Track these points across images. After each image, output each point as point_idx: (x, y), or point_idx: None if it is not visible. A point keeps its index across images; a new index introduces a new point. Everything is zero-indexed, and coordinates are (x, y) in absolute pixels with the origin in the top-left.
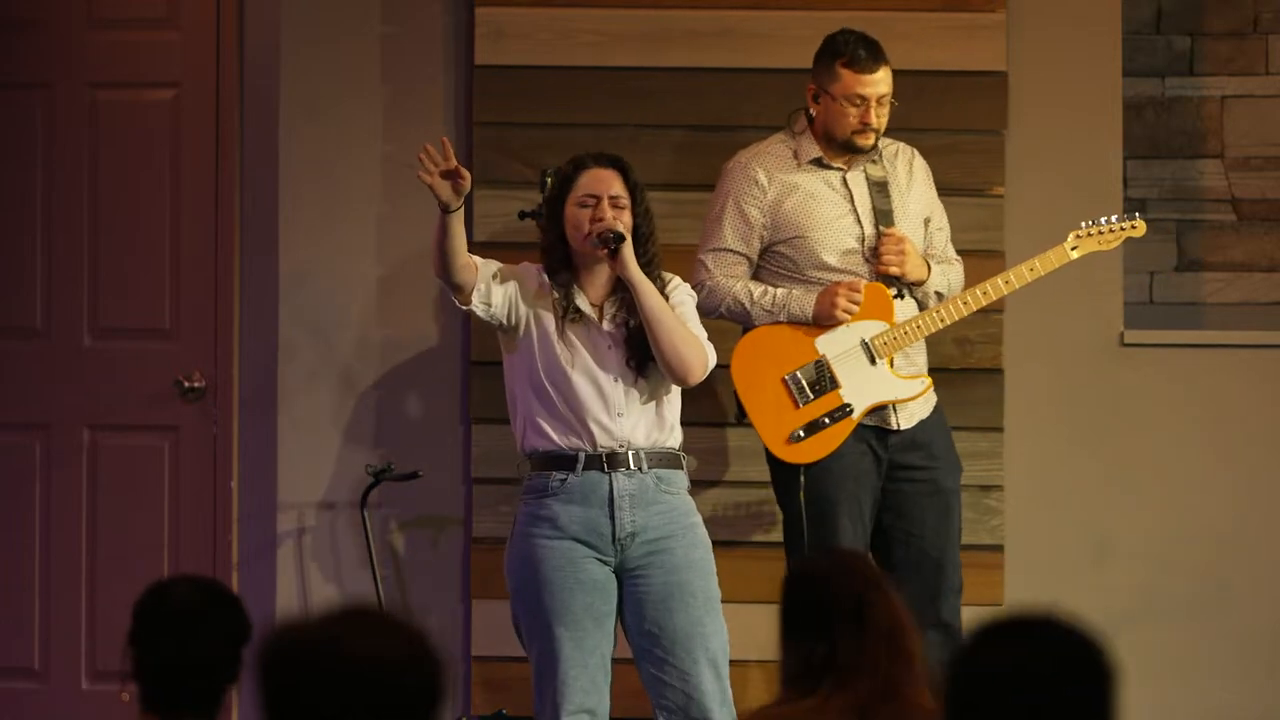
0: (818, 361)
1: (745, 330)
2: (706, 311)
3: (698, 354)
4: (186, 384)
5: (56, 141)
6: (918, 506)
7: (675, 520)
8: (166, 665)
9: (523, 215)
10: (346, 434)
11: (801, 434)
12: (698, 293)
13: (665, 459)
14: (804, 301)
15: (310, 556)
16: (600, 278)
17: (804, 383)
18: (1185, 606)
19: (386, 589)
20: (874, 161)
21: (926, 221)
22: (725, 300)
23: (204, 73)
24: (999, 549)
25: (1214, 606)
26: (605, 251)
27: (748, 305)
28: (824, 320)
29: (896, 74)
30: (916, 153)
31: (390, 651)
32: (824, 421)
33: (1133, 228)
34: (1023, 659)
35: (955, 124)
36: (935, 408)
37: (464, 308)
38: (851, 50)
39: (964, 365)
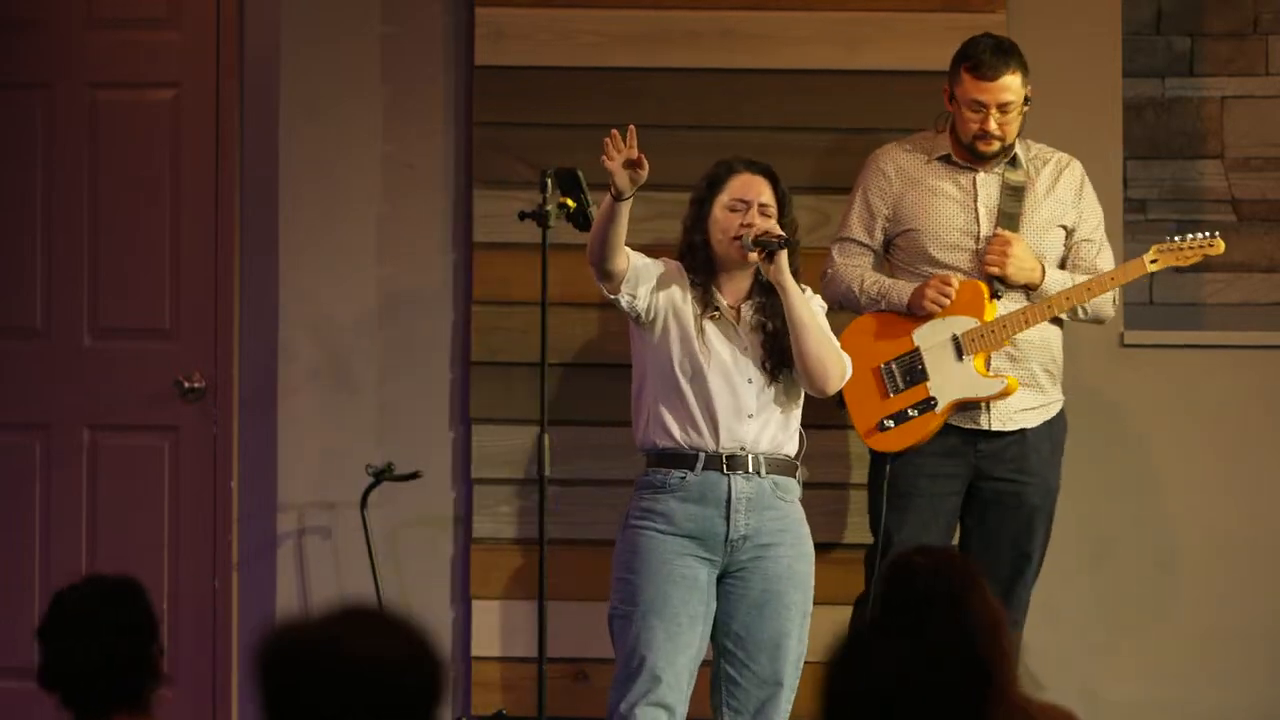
0: (912, 352)
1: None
2: (829, 299)
3: (838, 364)
4: (186, 384)
5: (56, 141)
6: (997, 517)
7: (788, 529)
8: (76, 671)
9: (523, 215)
10: (346, 434)
11: (889, 424)
12: (822, 280)
13: (783, 465)
14: (904, 291)
15: (310, 556)
16: (740, 281)
17: (896, 373)
18: (1185, 606)
19: (386, 589)
20: (1016, 166)
21: (1070, 231)
22: (841, 288)
23: (204, 73)
24: None
25: (1214, 606)
26: (761, 255)
27: (857, 292)
28: (915, 310)
29: (897, 74)
30: (1075, 165)
31: (390, 651)
32: (909, 413)
33: (1211, 245)
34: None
35: None
36: (1049, 423)
37: (611, 296)
38: (977, 55)
39: None
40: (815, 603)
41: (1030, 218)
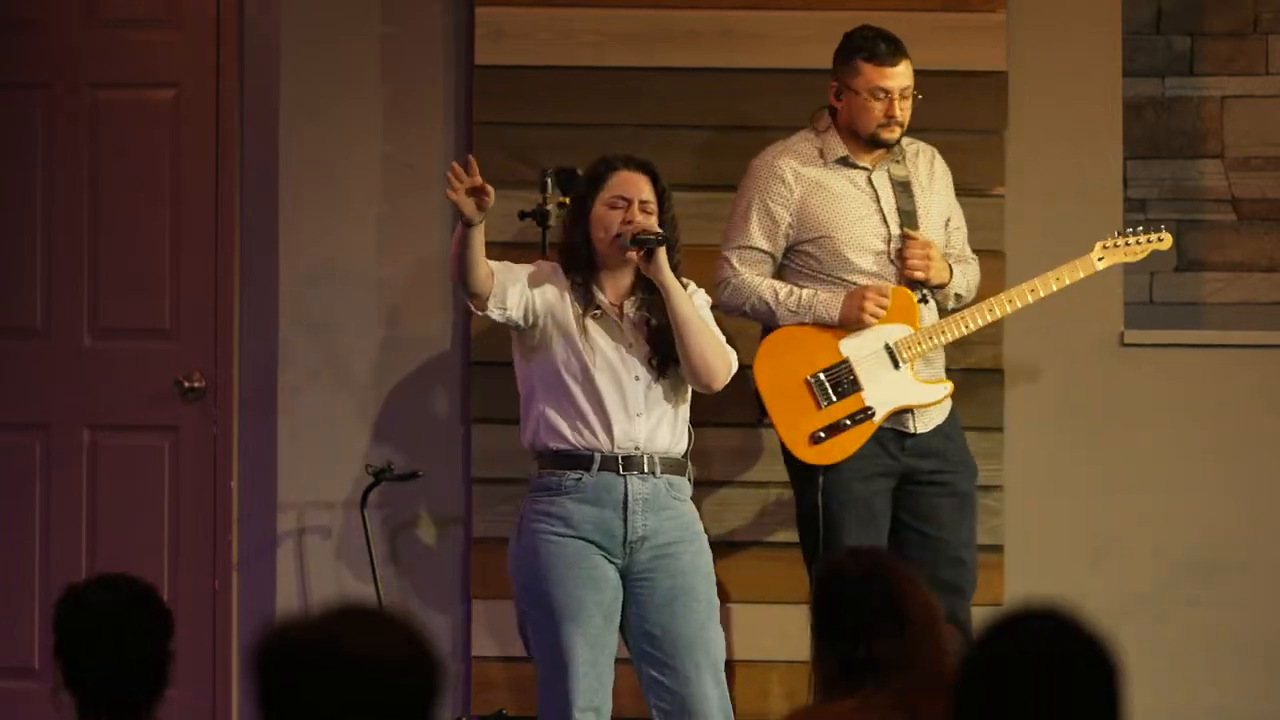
0: (841, 363)
1: (766, 330)
2: (730, 309)
3: (724, 361)
4: (186, 384)
5: (56, 141)
6: (935, 508)
7: (685, 527)
8: (91, 671)
9: (523, 215)
10: (346, 434)
11: (822, 435)
12: (721, 290)
13: (676, 465)
14: (830, 304)
15: (310, 556)
16: (622, 278)
17: (827, 384)
18: (1185, 606)
19: (386, 589)
20: (897, 161)
21: (947, 222)
22: (750, 299)
23: (204, 73)
24: (999, 549)
25: (1214, 606)
26: (640, 253)
27: (773, 305)
28: (850, 323)
29: None
30: (936, 153)
31: (389, 651)
32: (845, 424)
33: (1159, 240)
34: (1031, 651)
35: (955, 124)
36: (951, 411)
37: (480, 313)
38: (871, 45)
39: (964, 365)
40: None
41: (925, 214)
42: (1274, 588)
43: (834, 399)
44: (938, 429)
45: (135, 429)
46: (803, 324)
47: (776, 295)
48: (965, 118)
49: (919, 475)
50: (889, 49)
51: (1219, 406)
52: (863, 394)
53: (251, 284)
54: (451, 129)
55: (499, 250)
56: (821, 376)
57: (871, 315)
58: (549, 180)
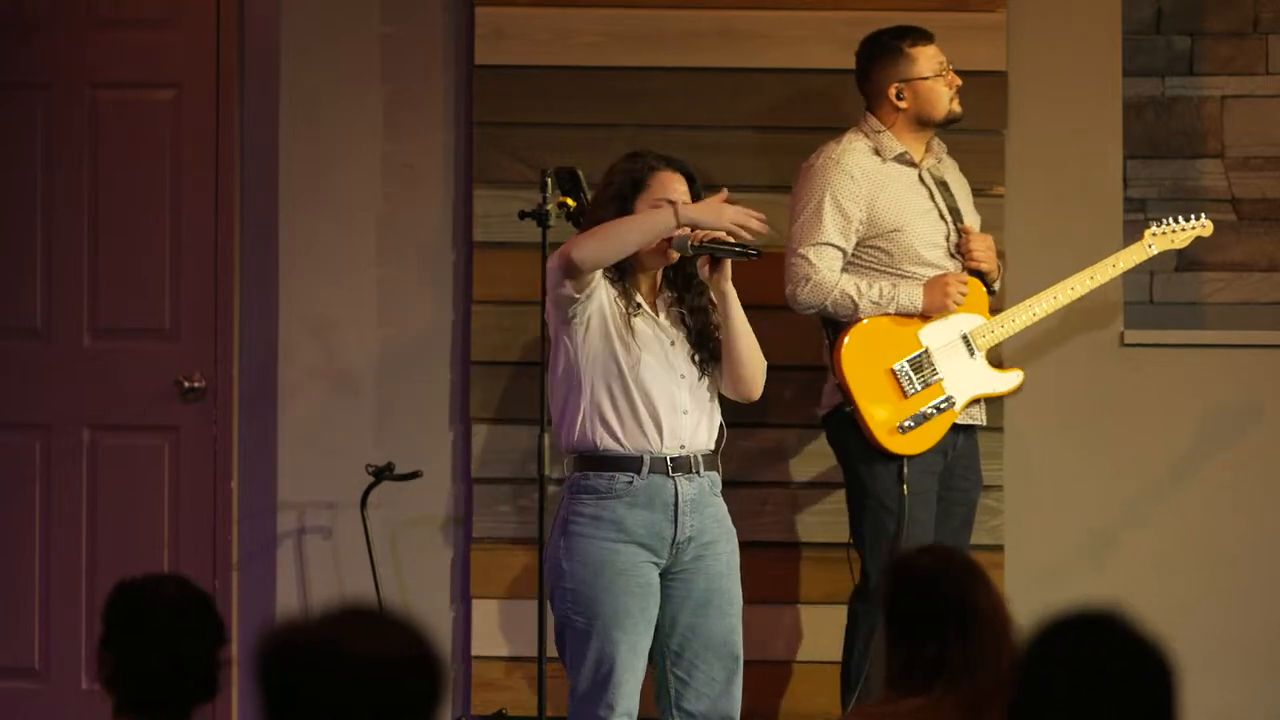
0: (922, 353)
1: (829, 324)
2: (809, 306)
3: (764, 370)
4: (186, 384)
5: (56, 141)
6: (949, 515)
7: (721, 523)
8: (139, 668)
9: (523, 215)
10: (346, 434)
11: (909, 424)
12: (801, 286)
13: (712, 460)
14: (912, 293)
15: (310, 556)
16: (653, 278)
17: (911, 374)
18: (1185, 606)
19: (386, 589)
20: (938, 161)
21: None
22: (832, 294)
23: (204, 73)
24: (999, 549)
25: (1214, 607)
26: (706, 259)
27: (856, 299)
28: (936, 310)
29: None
30: (955, 163)
31: (390, 651)
32: (929, 413)
33: (1202, 227)
34: (1092, 653)
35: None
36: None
37: (577, 295)
38: (906, 32)
39: None
40: (813, 602)
41: (966, 211)
42: (1274, 587)
43: (918, 388)
44: (974, 431)
45: (135, 429)
46: (885, 315)
47: (859, 289)
48: (965, 118)
49: (950, 481)
50: (920, 30)
51: (1219, 406)
52: (943, 383)
53: (251, 284)
54: (451, 129)
55: (499, 250)
56: (906, 366)
57: (954, 301)
58: (549, 180)
